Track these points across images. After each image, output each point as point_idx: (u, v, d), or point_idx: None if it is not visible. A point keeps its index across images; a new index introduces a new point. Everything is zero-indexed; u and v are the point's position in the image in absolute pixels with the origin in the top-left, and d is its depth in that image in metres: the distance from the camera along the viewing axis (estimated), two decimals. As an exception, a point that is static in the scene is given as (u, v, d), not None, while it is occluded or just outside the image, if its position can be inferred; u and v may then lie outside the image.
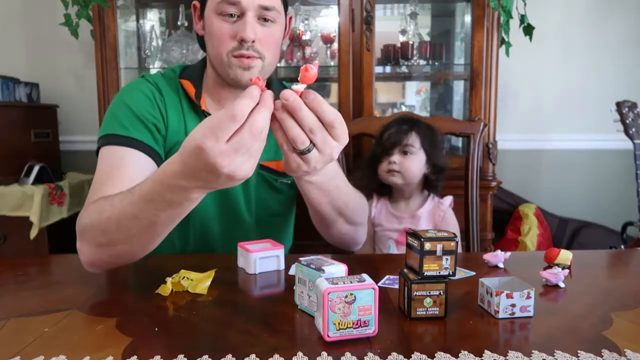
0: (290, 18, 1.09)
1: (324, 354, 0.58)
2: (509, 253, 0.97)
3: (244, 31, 0.95)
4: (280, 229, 1.20)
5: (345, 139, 0.70)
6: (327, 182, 0.88)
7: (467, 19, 2.19)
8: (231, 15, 0.96)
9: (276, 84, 1.14)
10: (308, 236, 1.17)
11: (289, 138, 0.66)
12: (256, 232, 1.12)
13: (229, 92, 1.06)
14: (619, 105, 1.90)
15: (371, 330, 0.62)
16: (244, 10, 0.95)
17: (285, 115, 0.65)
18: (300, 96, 0.65)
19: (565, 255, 0.93)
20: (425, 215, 1.36)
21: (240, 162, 0.62)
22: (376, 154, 1.36)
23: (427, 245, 0.68)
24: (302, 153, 0.68)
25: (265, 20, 0.98)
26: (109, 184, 0.87)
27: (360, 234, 1.07)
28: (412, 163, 1.32)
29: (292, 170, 0.71)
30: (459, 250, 1.38)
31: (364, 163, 1.44)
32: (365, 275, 0.64)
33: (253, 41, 0.96)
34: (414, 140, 1.32)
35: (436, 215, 1.36)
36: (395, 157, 1.32)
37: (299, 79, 0.65)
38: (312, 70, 0.63)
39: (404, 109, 2.46)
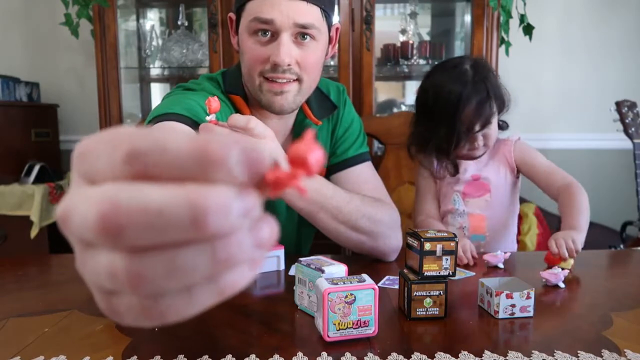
0: (337, 29, 0.97)
1: (324, 354, 0.58)
2: (509, 253, 0.97)
3: (277, 55, 0.84)
4: (309, 237, 1.17)
5: (267, 134, 0.72)
6: None
7: (467, 18, 2.20)
8: (264, 33, 0.85)
9: (316, 99, 1.04)
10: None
11: None
12: (290, 239, 1.09)
13: (271, 114, 0.95)
14: (618, 104, 1.90)
15: (371, 330, 0.62)
16: (278, 29, 0.84)
17: None
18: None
19: (567, 261, 0.93)
20: (488, 156, 1.19)
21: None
22: (449, 140, 1.09)
23: (427, 246, 0.68)
24: None
25: (304, 37, 0.86)
26: None
27: (382, 245, 0.95)
28: (495, 130, 1.11)
29: None
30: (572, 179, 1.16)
31: (429, 152, 1.15)
32: (365, 276, 0.64)
33: (289, 65, 0.86)
34: (494, 107, 1.09)
35: (505, 152, 1.18)
36: (480, 138, 1.10)
37: (207, 111, 0.73)
38: (215, 102, 0.72)
39: (404, 108, 2.46)
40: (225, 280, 0.21)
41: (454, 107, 1.06)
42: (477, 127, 1.07)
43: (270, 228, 0.22)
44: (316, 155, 0.21)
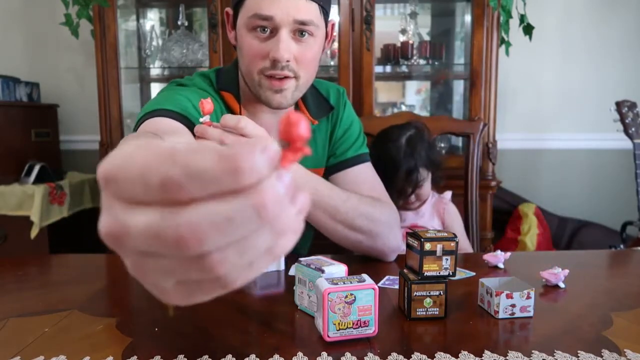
0: (333, 25, 0.98)
1: (324, 354, 0.58)
2: (509, 253, 0.97)
3: (276, 51, 0.85)
4: (308, 239, 1.17)
5: (258, 132, 0.72)
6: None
7: (467, 18, 2.20)
8: (263, 30, 0.86)
9: (313, 99, 1.05)
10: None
11: None
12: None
13: (266, 109, 0.97)
14: (618, 104, 1.90)
15: (371, 330, 0.62)
16: (278, 26, 0.85)
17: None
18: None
19: None
20: (429, 211, 1.37)
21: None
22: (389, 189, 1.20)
23: (427, 246, 0.68)
24: None
25: (302, 34, 0.87)
26: None
27: (380, 244, 0.95)
28: (426, 189, 1.32)
29: None
30: (470, 250, 1.37)
31: None
32: (365, 276, 0.64)
33: (287, 61, 0.87)
34: (424, 173, 1.29)
35: (440, 209, 1.37)
36: (412, 197, 1.30)
37: (201, 113, 0.75)
38: (209, 104, 0.73)
39: (404, 108, 2.46)
40: (276, 246, 0.27)
41: (389, 173, 1.25)
42: (408, 191, 1.29)
43: (304, 197, 0.28)
44: (301, 124, 0.26)
